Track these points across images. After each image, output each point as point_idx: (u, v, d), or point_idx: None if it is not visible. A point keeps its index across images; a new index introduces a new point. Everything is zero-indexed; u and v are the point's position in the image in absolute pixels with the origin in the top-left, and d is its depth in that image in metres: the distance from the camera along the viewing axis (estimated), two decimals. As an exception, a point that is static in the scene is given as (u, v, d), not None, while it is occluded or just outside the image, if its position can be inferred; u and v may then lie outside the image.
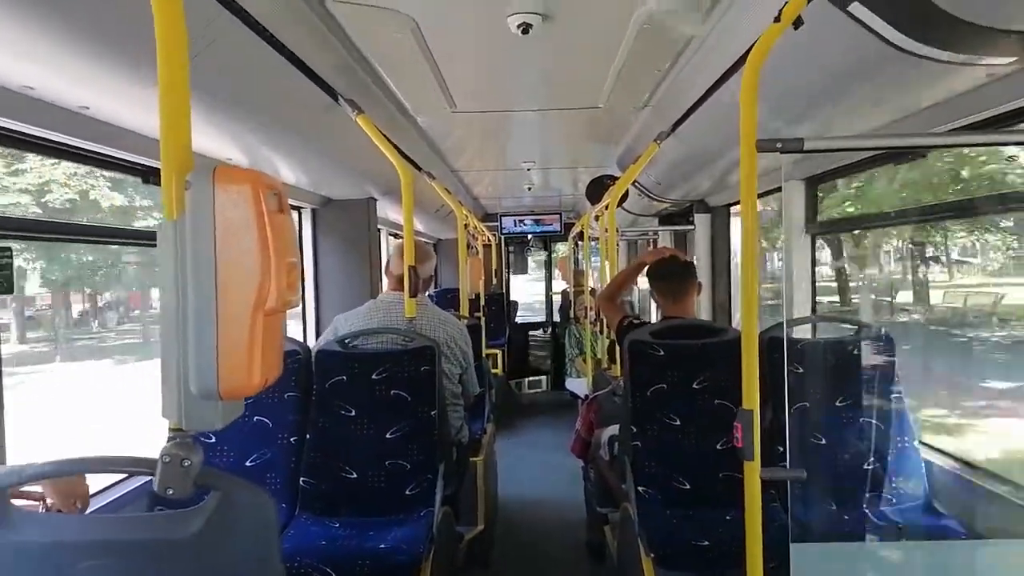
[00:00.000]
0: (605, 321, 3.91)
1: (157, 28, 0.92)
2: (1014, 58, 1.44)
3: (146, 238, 2.49)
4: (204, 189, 0.89)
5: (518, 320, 9.28)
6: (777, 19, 1.41)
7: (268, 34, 1.81)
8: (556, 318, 9.05)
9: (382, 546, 2.22)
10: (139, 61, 1.53)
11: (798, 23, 1.43)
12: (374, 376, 2.59)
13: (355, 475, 2.50)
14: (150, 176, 2.38)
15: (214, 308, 0.89)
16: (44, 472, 1.13)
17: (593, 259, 7.29)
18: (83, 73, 1.62)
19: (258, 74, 2.01)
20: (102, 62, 1.55)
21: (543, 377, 8.79)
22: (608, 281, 3.97)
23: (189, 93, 0.95)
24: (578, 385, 6.67)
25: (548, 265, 9.73)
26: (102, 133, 2.03)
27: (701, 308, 4.52)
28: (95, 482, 2.20)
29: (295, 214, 4.07)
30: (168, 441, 0.95)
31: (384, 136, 2.55)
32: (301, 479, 2.49)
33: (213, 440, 2.46)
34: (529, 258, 10.08)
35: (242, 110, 2.18)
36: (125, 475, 2.20)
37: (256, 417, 2.51)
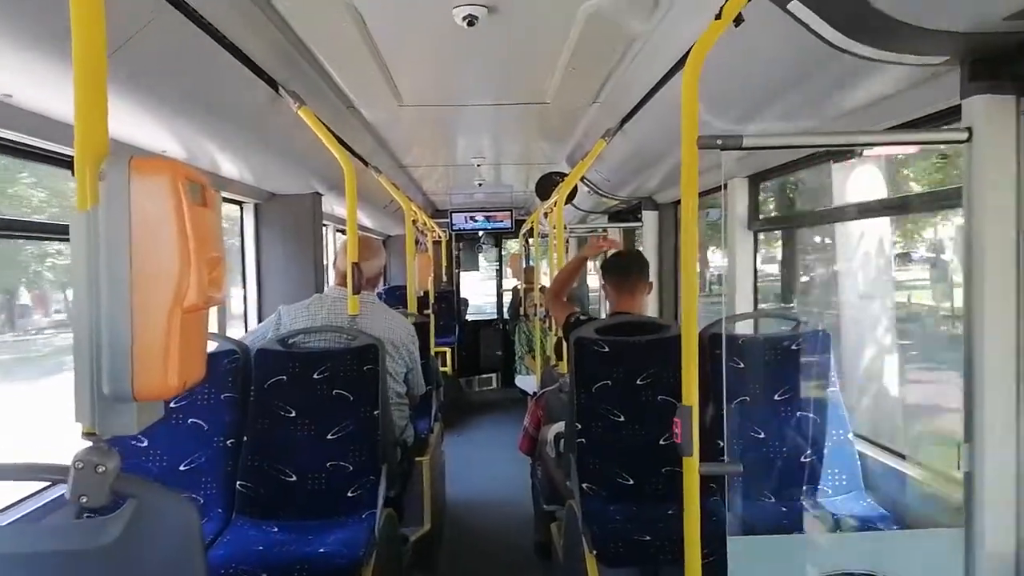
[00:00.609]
0: (553, 317, 3.92)
1: (72, 4, 0.87)
2: (946, 56, 1.48)
3: (61, 232, 2.37)
4: (119, 179, 0.84)
5: (468, 317, 9.25)
6: (718, 16, 1.42)
7: (205, 22, 1.75)
8: (507, 315, 9.05)
9: (321, 550, 2.17)
10: (63, 46, 1.45)
11: (739, 20, 1.45)
12: (315, 375, 2.53)
13: (294, 477, 2.44)
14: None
15: (128, 305, 0.84)
16: None
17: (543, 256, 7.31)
18: (5, 59, 1.53)
19: (195, 63, 1.94)
20: (24, 46, 1.47)
21: (493, 375, 8.78)
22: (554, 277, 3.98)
23: (106, 78, 0.90)
24: (528, 382, 6.68)
25: (499, 262, 9.72)
26: (27, 122, 1.93)
27: (648, 304, 4.57)
28: (12, 493, 2.08)
29: (236, 208, 3.96)
30: (81, 446, 0.90)
31: (328, 129, 2.49)
32: (238, 483, 2.41)
33: (144, 444, 2.37)
34: (480, 255, 10.05)
35: (178, 101, 2.10)
36: (46, 484, 2.10)
37: (190, 419, 2.42)
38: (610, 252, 3.52)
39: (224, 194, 3.55)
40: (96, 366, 0.85)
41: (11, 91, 1.75)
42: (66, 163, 2.25)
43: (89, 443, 0.89)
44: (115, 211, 0.84)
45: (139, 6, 1.50)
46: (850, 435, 2.40)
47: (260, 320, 4.01)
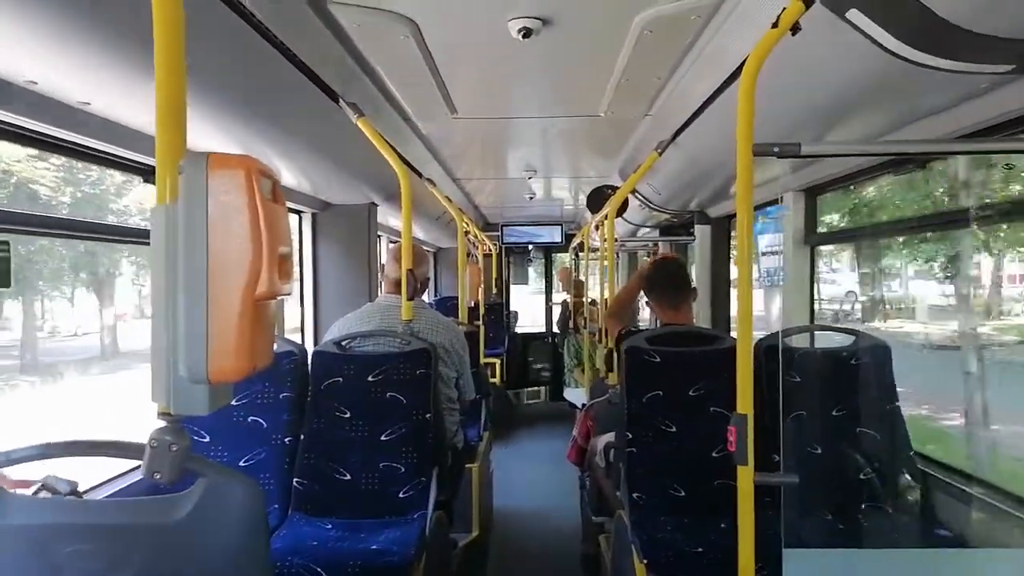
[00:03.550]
0: (606, 331, 3.91)
1: (155, 16, 0.93)
2: (1012, 66, 1.45)
3: (143, 235, 2.50)
4: (198, 174, 0.89)
5: (518, 330, 9.28)
6: (775, 25, 1.42)
7: (271, 35, 1.83)
8: (556, 329, 9.05)
9: (373, 547, 2.21)
10: (140, 56, 1.54)
11: (796, 29, 1.44)
12: (370, 378, 2.58)
13: (348, 477, 2.49)
14: (150, 175, 2.39)
15: (205, 292, 0.89)
16: (31, 455, 1.13)
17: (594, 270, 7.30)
18: (85, 69, 1.62)
19: (259, 75, 2.03)
20: (104, 57, 1.56)
21: (542, 388, 8.77)
22: (611, 295, 3.98)
23: (185, 80, 0.95)
24: (576, 395, 6.66)
25: (548, 275, 9.73)
26: (104, 130, 2.04)
27: (701, 319, 4.52)
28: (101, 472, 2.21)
29: (295, 218, 4.08)
30: (157, 425, 0.95)
31: (385, 140, 2.56)
32: (294, 480, 2.48)
33: (207, 440, 2.46)
34: (530, 268, 10.08)
35: (242, 111, 2.19)
36: (133, 466, 2.21)
37: (251, 417, 2.50)
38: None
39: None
40: (173, 350, 0.90)
41: (89, 99, 1.86)
42: (139, 170, 2.37)
43: (164, 423, 0.94)
44: (193, 204, 0.89)
45: (207, 17, 1.57)
46: (911, 452, 2.33)
47: (316, 329, 4.11)
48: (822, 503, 2.30)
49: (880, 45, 1.46)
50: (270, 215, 0.91)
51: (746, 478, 1.48)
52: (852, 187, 2.98)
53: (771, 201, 3.44)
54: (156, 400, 0.92)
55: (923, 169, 2.40)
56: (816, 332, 2.94)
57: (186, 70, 0.97)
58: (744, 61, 1.48)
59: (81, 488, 1.64)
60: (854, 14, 1.41)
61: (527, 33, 2.05)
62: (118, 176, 2.91)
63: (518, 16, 2.00)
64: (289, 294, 0.99)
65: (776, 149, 1.50)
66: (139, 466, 2.06)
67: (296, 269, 4.09)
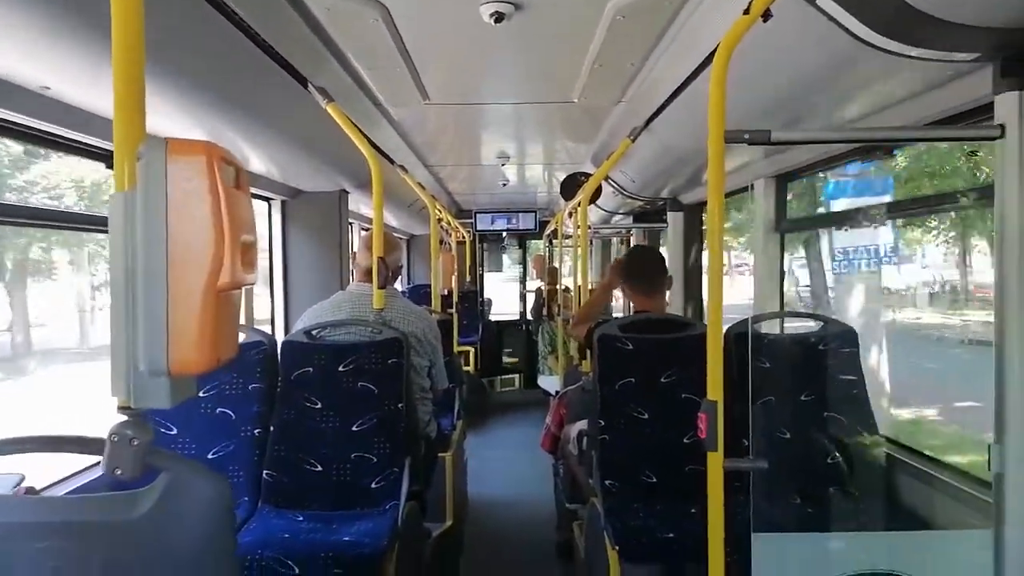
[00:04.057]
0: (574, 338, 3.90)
1: None
2: (978, 53, 1.46)
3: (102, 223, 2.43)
4: (157, 160, 0.86)
5: (492, 318, 9.27)
6: (746, 11, 1.41)
7: (237, 18, 1.78)
8: (530, 316, 9.06)
9: (345, 538, 2.20)
10: (101, 40, 1.49)
11: (767, 16, 1.44)
12: (341, 368, 2.56)
13: (320, 468, 2.47)
14: (111, 161, 2.32)
15: (165, 282, 0.86)
16: None
17: (567, 257, 7.30)
18: (44, 52, 1.57)
19: (225, 59, 1.98)
20: (63, 40, 1.51)
21: (516, 375, 8.79)
22: (585, 282, 3.98)
23: (143, 64, 0.92)
24: (550, 383, 6.68)
25: (523, 262, 9.73)
26: (65, 115, 1.98)
27: (674, 306, 4.55)
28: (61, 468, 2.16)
29: (264, 206, 4.01)
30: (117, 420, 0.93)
31: (355, 126, 2.52)
32: (264, 472, 2.45)
33: (174, 432, 2.42)
34: (504, 255, 10.07)
35: (209, 95, 2.14)
36: (94, 461, 2.16)
37: (219, 409, 2.47)
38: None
39: (252, 190, 3.61)
40: (132, 342, 0.87)
41: (49, 83, 1.80)
42: (100, 156, 2.31)
43: (124, 417, 0.91)
44: (152, 191, 0.86)
45: (170, 1, 1.53)
46: (877, 436, 2.37)
47: (287, 319, 4.06)
48: (791, 487, 2.33)
49: (850, 32, 1.46)
50: (232, 203, 0.88)
51: (716, 464, 1.49)
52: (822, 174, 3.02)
53: (742, 188, 3.46)
54: (115, 394, 0.89)
55: (891, 156, 2.43)
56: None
57: (146, 53, 0.93)
58: (716, 48, 1.48)
59: (40, 485, 1.61)
60: (825, 1, 1.42)
61: (499, 18, 2.03)
62: (15, 147, 2.79)
63: (490, 0, 1.97)
64: (253, 284, 0.97)
65: (747, 136, 1.50)
66: (99, 462, 2.02)
67: (265, 257, 4.03)
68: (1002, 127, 1.46)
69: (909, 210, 2.50)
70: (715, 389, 1.49)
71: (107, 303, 0.88)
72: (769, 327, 2.79)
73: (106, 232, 0.91)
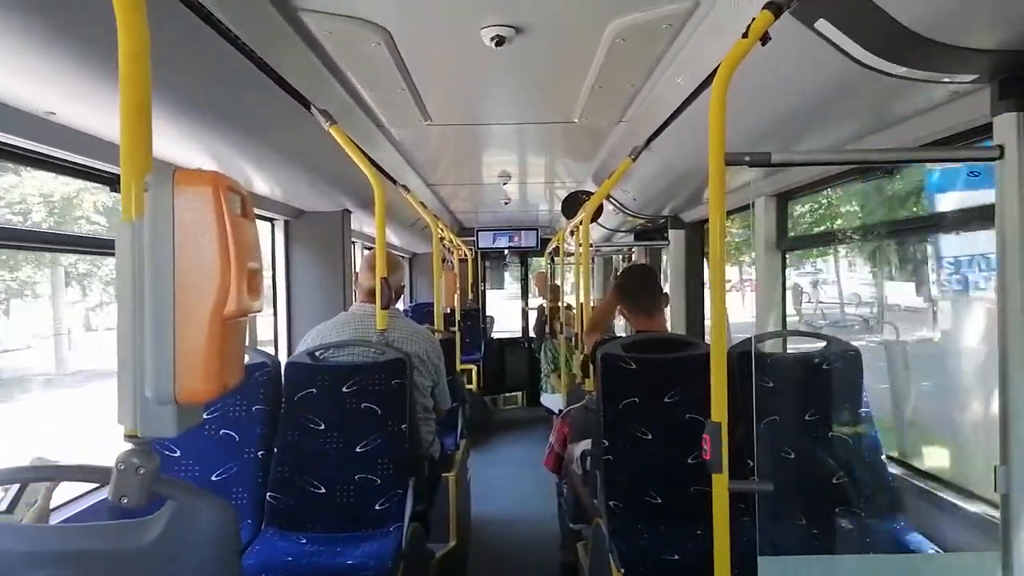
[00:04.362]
0: (582, 337, 3.92)
1: (119, 26, 0.91)
2: (976, 75, 1.48)
3: (106, 246, 2.45)
4: (164, 190, 0.87)
5: (494, 335, 9.26)
6: (745, 35, 1.43)
7: (240, 43, 1.80)
8: (532, 334, 9.05)
9: (349, 561, 2.19)
10: (107, 65, 1.51)
11: (765, 39, 1.45)
12: (344, 389, 2.56)
13: (323, 490, 2.46)
14: (118, 185, 2.34)
15: (171, 311, 0.87)
16: None
17: (569, 275, 7.30)
18: (49, 77, 1.59)
19: (229, 83, 2.00)
20: (69, 66, 1.53)
21: (519, 393, 8.76)
22: (587, 300, 3.99)
23: (151, 93, 0.93)
24: (553, 401, 6.66)
25: (524, 280, 9.74)
26: (70, 140, 1.99)
27: (676, 324, 4.55)
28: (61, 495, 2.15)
29: (267, 226, 4.03)
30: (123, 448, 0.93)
31: (358, 147, 2.54)
32: (268, 494, 2.44)
33: (178, 454, 2.41)
34: (506, 274, 10.08)
35: (213, 119, 2.16)
36: (91, 488, 2.16)
37: (222, 431, 2.46)
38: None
39: (255, 211, 3.62)
40: (139, 370, 0.88)
41: (55, 108, 1.82)
42: (105, 179, 2.32)
43: (131, 445, 0.91)
44: (159, 221, 0.87)
45: (174, 25, 1.55)
46: (883, 456, 2.36)
47: (289, 340, 4.07)
48: (796, 509, 2.32)
49: (848, 55, 1.48)
50: (239, 231, 0.89)
51: (721, 486, 1.49)
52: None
53: (741, 207, 3.47)
54: (122, 422, 0.90)
55: (890, 175, 2.44)
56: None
57: (152, 80, 0.95)
58: (715, 70, 1.49)
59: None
60: (822, 24, 1.43)
61: (500, 41, 2.05)
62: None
63: (491, 24, 1.99)
64: (259, 311, 0.97)
65: (747, 158, 1.51)
66: (97, 488, 2.01)
67: (268, 278, 4.04)
68: (1001, 148, 1.47)
69: (909, 229, 2.51)
70: (719, 410, 1.49)
71: (84, 326, 0.88)
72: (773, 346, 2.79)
73: (110, 255, 0.91)
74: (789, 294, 3.08)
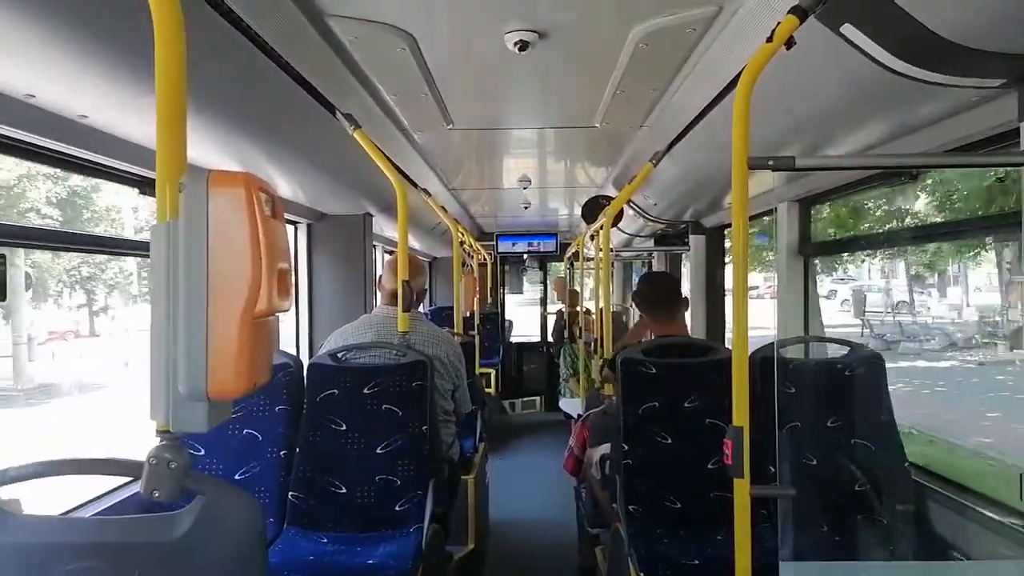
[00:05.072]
0: (602, 341, 3.91)
1: (156, 32, 0.93)
2: (1003, 80, 1.46)
3: (143, 248, 2.49)
4: (198, 191, 0.90)
5: (513, 340, 9.27)
6: (769, 39, 1.43)
7: (268, 48, 1.83)
8: (551, 338, 9.05)
9: (370, 561, 2.21)
10: (138, 70, 1.54)
11: (790, 44, 1.45)
12: (366, 390, 2.58)
13: (344, 490, 2.48)
14: (147, 187, 2.38)
15: (204, 309, 0.89)
16: (27, 473, 1.12)
17: (588, 280, 7.29)
18: (83, 82, 1.63)
19: (257, 87, 2.03)
20: (102, 71, 1.56)
21: (537, 398, 8.76)
22: (607, 305, 3.99)
23: (186, 97, 0.96)
24: (572, 405, 6.64)
25: (544, 285, 9.74)
26: (101, 143, 2.04)
27: (696, 329, 4.53)
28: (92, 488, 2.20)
29: (291, 229, 4.07)
30: (155, 443, 0.95)
31: (381, 151, 2.56)
32: (290, 493, 2.47)
33: (202, 453, 2.45)
34: (525, 278, 10.09)
35: (240, 123, 2.19)
36: (122, 483, 2.20)
37: (246, 430, 2.49)
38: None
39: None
40: (172, 367, 0.90)
41: (87, 111, 1.86)
42: (135, 181, 2.37)
43: (162, 440, 0.94)
44: (193, 222, 0.89)
45: (204, 30, 1.58)
46: (906, 464, 2.33)
47: (311, 341, 4.10)
48: (818, 515, 2.30)
49: (873, 59, 1.47)
50: (270, 232, 0.91)
51: (742, 491, 1.48)
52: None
53: (763, 213, 3.45)
54: (154, 417, 0.92)
55: (915, 180, 2.42)
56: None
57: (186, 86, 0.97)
58: (739, 74, 1.49)
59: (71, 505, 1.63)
60: (848, 28, 1.43)
61: (523, 46, 2.06)
62: None
63: (515, 29, 2.00)
64: (288, 310, 0.99)
65: (771, 163, 1.51)
66: (128, 482, 2.05)
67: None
68: None
69: (934, 236, 2.48)
70: (740, 415, 1.49)
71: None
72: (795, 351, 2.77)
73: (143, 256, 0.94)
74: (851, 302, 3.06)
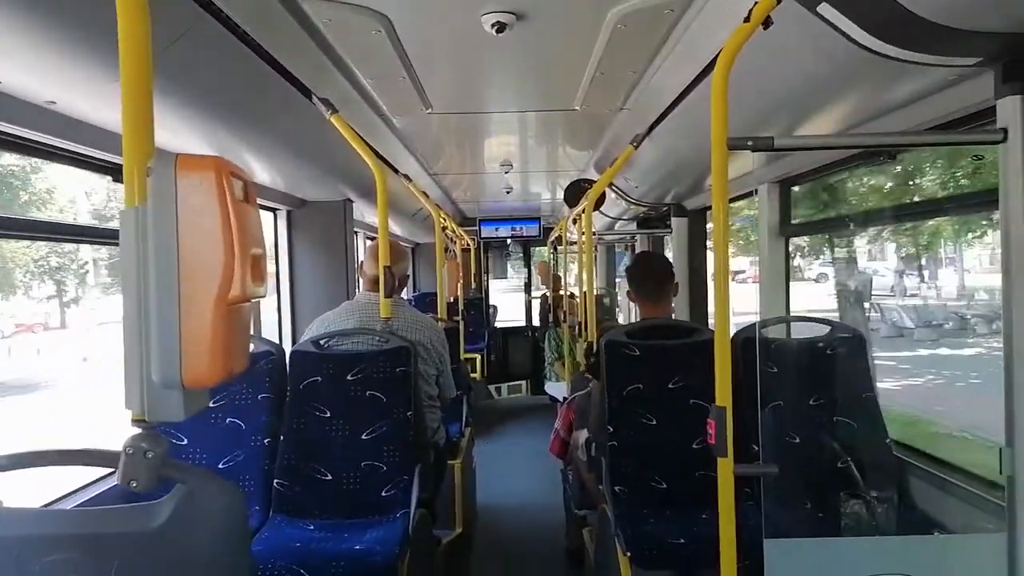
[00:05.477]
0: (586, 325, 3.92)
1: (119, 10, 0.91)
2: (979, 58, 1.47)
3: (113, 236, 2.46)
4: (166, 176, 0.88)
5: (497, 325, 9.27)
6: (747, 19, 1.42)
7: (240, 31, 1.80)
8: (536, 323, 9.06)
9: (357, 547, 2.21)
10: (107, 55, 1.50)
11: (767, 23, 1.44)
12: (349, 377, 2.57)
13: (330, 476, 2.47)
14: (118, 174, 2.34)
15: (176, 296, 0.87)
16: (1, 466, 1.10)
17: (572, 264, 7.31)
18: (51, 67, 1.59)
19: (230, 71, 2.00)
20: (69, 56, 1.53)
21: (523, 382, 8.79)
22: (590, 288, 3.99)
23: (151, 77, 0.94)
24: (557, 389, 6.67)
25: (528, 269, 9.74)
26: (71, 129, 2.00)
27: (679, 311, 4.55)
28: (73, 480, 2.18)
29: (270, 216, 4.03)
30: (132, 432, 0.94)
31: (359, 136, 2.53)
32: (275, 481, 2.46)
33: (185, 442, 2.43)
34: (508, 263, 10.08)
35: (214, 108, 2.16)
36: (105, 473, 2.18)
37: (229, 419, 2.48)
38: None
39: (257, 200, 3.62)
40: (145, 355, 0.88)
41: (55, 98, 1.82)
42: (106, 168, 2.33)
43: (138, 430, 0.92)
44: (162, 207, 0.88)
45: (175, 14, 1.55)
46: (888, 440, 2.36)
47: (293, 329, 4.08)
48: (801, 492, 2.33)
49: (850, 38, 1.47)
50: (241, 217, 0.89)
51: (726, 469, 1.49)
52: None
53: (746, 193, 3.46)
54: (130, 407, 0.90)
55: (893, 160, 2.43)
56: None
57: (154, 68, 0.95)
58: (717, 55, 1.48)
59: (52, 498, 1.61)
60: (825, 8, 1.42)
61: (501, 28, 2.04)
62: None
63: (492, 11, 1.98)
64: (263, 296, 0.98)
65: (750, 143, 1.50)
66: (109, 474, 2.03)
67: (272, 267, 4.05)
68: (1004, 131, 1.46)
69: (914, 214, 2.50)
70: (723, 395, 1.50)
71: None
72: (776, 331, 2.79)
73: (113, 244, 0.92)
74: (860, 286, 3.08)
